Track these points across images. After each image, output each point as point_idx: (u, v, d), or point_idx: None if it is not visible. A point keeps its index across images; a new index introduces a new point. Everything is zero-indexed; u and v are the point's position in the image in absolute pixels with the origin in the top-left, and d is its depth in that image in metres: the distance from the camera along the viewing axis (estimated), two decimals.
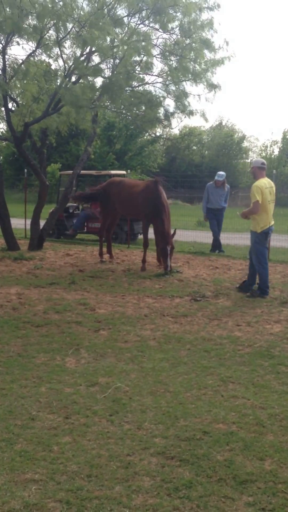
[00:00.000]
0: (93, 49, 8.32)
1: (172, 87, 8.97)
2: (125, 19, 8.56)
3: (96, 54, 8.34)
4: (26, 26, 8.05)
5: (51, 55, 9.05)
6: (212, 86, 8.80)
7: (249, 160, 35.27)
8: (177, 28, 8.58)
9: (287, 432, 3.14)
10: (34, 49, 9.03)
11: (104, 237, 9.48)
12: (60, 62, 9.07)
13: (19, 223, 12.71)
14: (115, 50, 8.31)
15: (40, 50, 9.07)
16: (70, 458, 2.83)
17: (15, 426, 3.18)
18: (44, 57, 9.74)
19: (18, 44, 9.21)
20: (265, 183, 6.52)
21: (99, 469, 2.72)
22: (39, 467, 2.74)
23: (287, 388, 3.78)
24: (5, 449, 2.92)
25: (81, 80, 8.80)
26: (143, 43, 8.10)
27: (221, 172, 10.45)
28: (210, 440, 3.02)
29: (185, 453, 2.89)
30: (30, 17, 8.08)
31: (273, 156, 31.17)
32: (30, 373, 4.03)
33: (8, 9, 7.75)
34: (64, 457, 2.84)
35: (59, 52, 8.81)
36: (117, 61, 8.31)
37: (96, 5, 8.09)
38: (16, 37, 8.85)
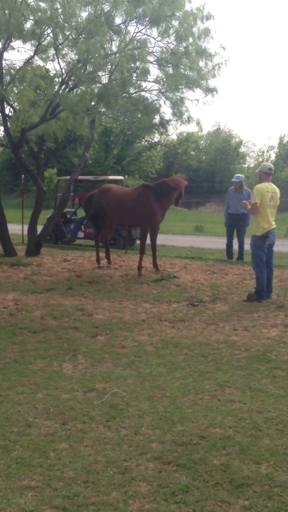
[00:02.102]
0: (90, 56, 8.38)
1: (169, 94, 9.04)
2: (122, 26, 8.64)
3: (92, 60, 8.39)
4: (25, 31, 8.10)
5: (49, 60, 9.14)
6: (209, 90, 8.89)
7: (246, 166, 35.47)
8: (173, 35, 8.66)
9: (283, 435, 3.15)
10: (32, 54, 9.11)
11: (102, 243, 9.48)
12: (58, 67, 9.16)
13: (16, 229, 12.74)
14: (111, 57, 8.38)
15: (37, 56, 9.15)
16: (66, 465, 2.83)
17: (12, 433, 3.18)
18: (41, 62, 9.82)
19: (14, 48, 9.29)
20: (267, 186, 6.56)
21: (95, 475, 2.73)
22: (36, 474, 2.74)
23: (284, 392, 3.79)
24: (1, 456, 2.92)
25: (78, 86, 8.86)
26: (139, 51, 8.17)
27: (238, 174, 10.30)
28: (207, 445, 3.03)
29: (182, 458, 2.89)
30: (29, 22, 8.15)
31: (269, 161, 31.34)
32: (27, 379, 4.03)
33: (7, 12, 7.80)
34: (60, 464, 2.84)
35: (56, 58, 8.90)
36: (113, 67, 8.37)
37: (94, 12, 8.16)
38: (14, 41, 8.91)
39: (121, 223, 9.83)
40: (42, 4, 8.14)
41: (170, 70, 8.88)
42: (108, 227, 9.39)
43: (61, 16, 7.92)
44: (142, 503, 2.50)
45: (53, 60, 9.11)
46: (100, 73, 8.62)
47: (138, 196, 8.51)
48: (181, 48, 8.69)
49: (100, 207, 8.92)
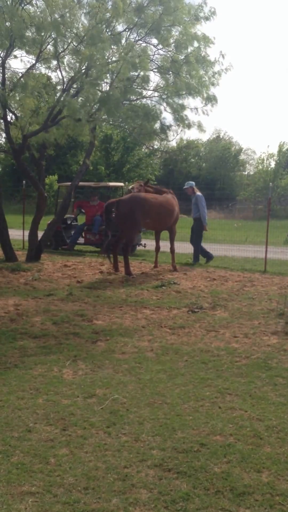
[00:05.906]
0: (93, 62, 8.44)
1: (170, 100, 9.11)
2: (124, 34, 8.72)
3: (95, 66, 8.46)
4: (26, 39, 8.15)
5: (51, 67, 9.20)
6: (208, 99, 8.96)
7: (246, 173, 35.65)
8: (173, 44, 8.75)
9: (284, 444, 3.14)
10: (34, 62, 9.17)
11: (113, 253, 9.26)
12: (60, 75, 9.19)
13: (17, 234, 12.76)
14: (113, 65, 8.45)
15: (39, 64, 9.21)
16: (67, 471, 2.82)
17: (12, 438, 3.17)
18: (43, 70, 9.89)
19: (16, 57, 9.36)
20: None
21: (96, 482, 2.71)
22: (36, 480, 2.73)
23: (285, 400, 3.78)
24: (1, 461, 2.91)
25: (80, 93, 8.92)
26: (140, 58, 8.24)
27: (188, 182, 10.75)
28: (208, 452, 3.02)
29: (183, 465, 2.88)
30: (29, 29, 8.20)
31: (269, 169, 31.45)
32: (27, 385, 4.02)
33: (8, 22, 7.84)
34: (61, 469, 2.83)
35: (58, 65, 8.95)
36: (115, 75, 8.44)
37: (94, 20, 8.23)
38: (16, 49, 8.97)
39: (159, 229, 9.74)
40: (42, 13, 8.19)
41: (171, 78, 8.95)
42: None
43: (62, 23, 7.96)
44: (143, 510, 2.49)
45: (55, 70, 9.17)
46: (101, 80, 8.69)
47: (175, 201, 9.48)
48: (181, 57, 8.77)
49: (132, 216, 8.62)
